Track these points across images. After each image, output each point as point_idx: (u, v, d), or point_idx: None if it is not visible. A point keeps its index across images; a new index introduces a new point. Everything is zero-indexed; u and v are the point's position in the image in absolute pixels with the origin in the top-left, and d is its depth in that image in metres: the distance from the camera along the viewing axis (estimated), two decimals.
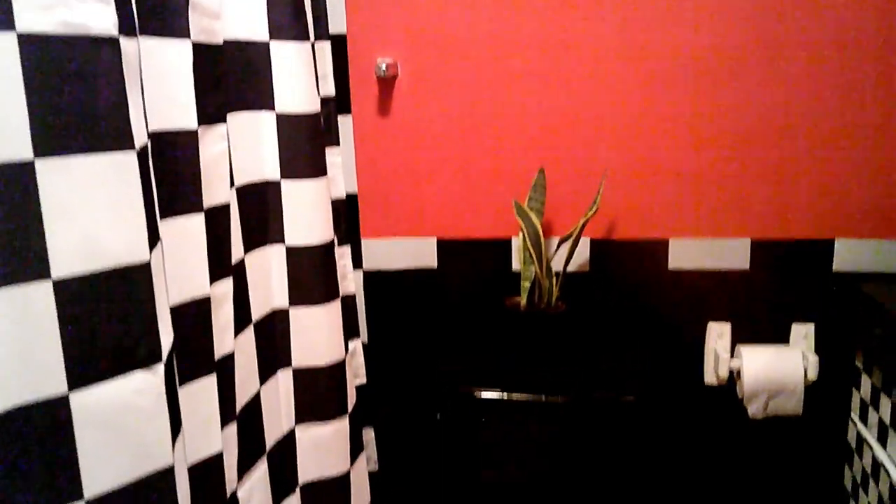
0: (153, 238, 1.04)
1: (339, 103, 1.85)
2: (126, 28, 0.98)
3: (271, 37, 1.46)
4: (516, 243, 1.90)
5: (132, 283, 1.00)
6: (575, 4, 1.76)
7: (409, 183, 1.90)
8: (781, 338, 1.86)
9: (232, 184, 1.39)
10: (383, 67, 1.81)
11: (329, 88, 1.81)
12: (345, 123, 1.87)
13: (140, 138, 1.01)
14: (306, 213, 1.56)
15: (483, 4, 1.78)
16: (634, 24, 1.75)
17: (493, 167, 1.87)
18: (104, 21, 0.92)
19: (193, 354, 1.25)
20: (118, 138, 0.95)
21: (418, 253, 1.93)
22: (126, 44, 0.97)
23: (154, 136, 1.14)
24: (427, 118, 1.86)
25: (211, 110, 1.28)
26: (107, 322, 0.97)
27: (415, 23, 1.81)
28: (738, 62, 1.74)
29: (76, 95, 0.91)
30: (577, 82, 1.80)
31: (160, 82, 1.16)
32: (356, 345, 1.87)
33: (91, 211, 0.94)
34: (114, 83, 0.94)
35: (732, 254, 1.84)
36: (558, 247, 1.81)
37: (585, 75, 1.79)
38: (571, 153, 1.84)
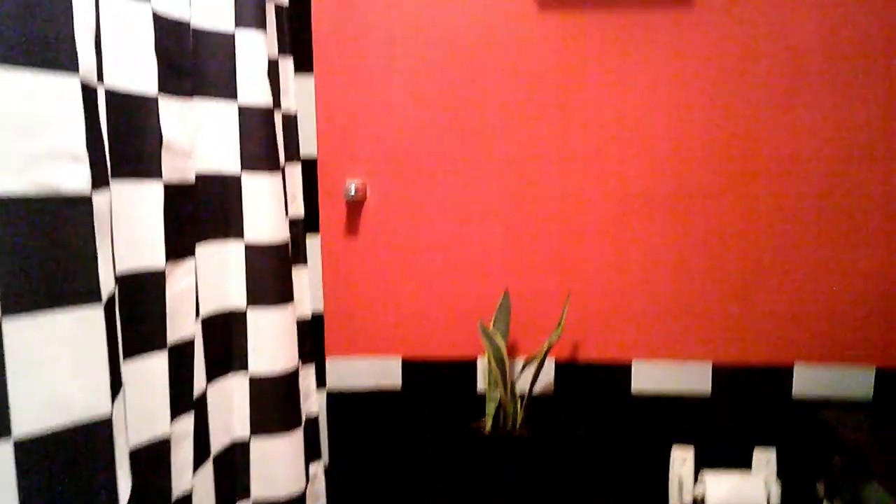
0: (116, 386, 1.02)
1: (307, 223, 1.87)
2: (99, 182, 0.98)
3: (243, 167, 1.48)
4: (482, 363, 1.90)
5: (93, 436, 0.97)
6: (543, 133, 1.82)
7: (376, 302, 1.90)
8: (745, 462, 1.87)
9: (197, 314, 1.37)
10: (352, 191, 1.83)
11: (298, 209, 1.82)
12: (313, 243, 1.88)
13: (107, 288, 1.00)
14: (271, 342, 1.54)
15: (451, 129, 1.83)
16: (603, 151, 1.81)
17: (459, 288, 1.88)
18: (77, 180, 0.93)
19: (151, 496, 1.21)
20: (86, 293, 0.94)
21: (383, 372, 1.92)
22: (98, 198, 0.97)
23: (122, 279, 1.13)
24: (394, 239, 1.88)
25: (180, 246, 1.28)
26: (66, 476, 0.94)
27: (383, 146, 1.85)
28: (702, 190, 1.81)
29: (46, 254, 0.90)
30: (542, 206, 1.84)
31: (130, 224, 1.16)
32: (317, 469, 1.83)
33: (55, 367, 0.93)
34: (84, 240, 0.94)
35: (694, 377, 1.86)
36: (523, 368, 1.82)
37: (550, 199, 1.84)
38: (536, 275, 1.87)
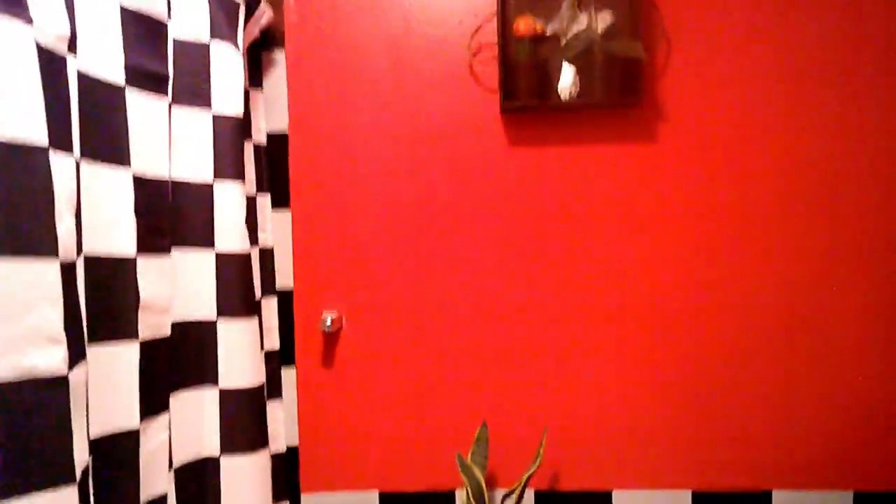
0: None
1: (283, 355, 1.86)
2: (76, 358, 0.98)
3: (219, 314, 1.48)
4: (460, 496, 1.87)
5: None
6: (515, 265, 1.85)
7: (352, 435, 1.88)
8: None
9: (170, 465, 1.35)
10: (328, 322, 1.84)
11: (274, 342, 1.82)
12: (288, 375, 1.87)
13: (81, 463, 0.99)
14: (246, 489, 1.51)
15: (425, 262, 1.86)
16: (574, 281, 1.84)
17: (437, 420, 1.87)
18: (54, 362, 0.93)
19: None
20: (60, 475, 0.93)
21: None
22: (74, 375, 0.97)
23: (97, 441, 1.12)
24: (370, 370, 1.87)
25: (155, 401, 1.27)
26: None
27: (359, 278, 1.87)
28: (674, 316, 1.84)
29: (21, 438, 0.89)
30: (518, 336, 1.86)
31: (106, 386, 1.15)
32: None
33: None
34: (59, 421, 0.93)
35: None
36: (503, 501, 1.79)
37: (526, 329, 1.86)
38: (514, 405, 1.86)
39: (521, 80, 1.81)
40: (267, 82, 1.85)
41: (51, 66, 0.98)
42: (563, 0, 1.80)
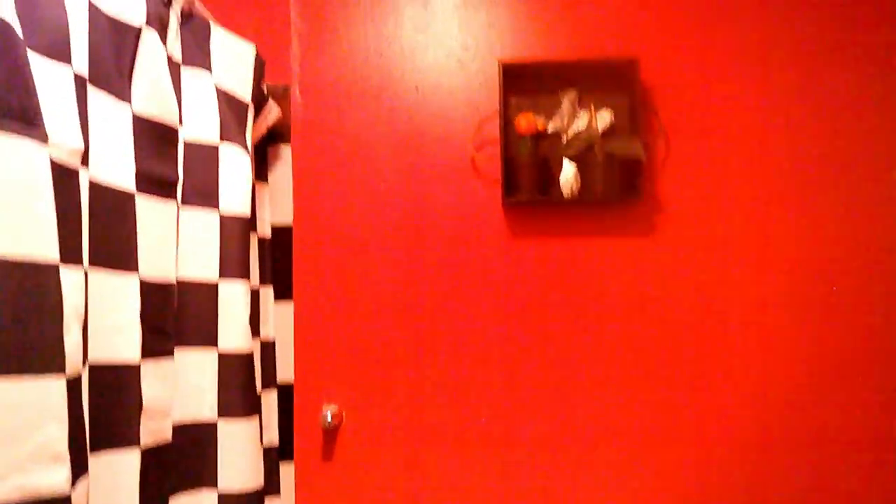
0: None
1: (281, 451, 1.83)
2: (79, 472, 0.97)
3: (220, 415, 1.46)
4: None
5: None
6: (518, 363, 1.84)
7: None
8: None
9: None
10: (328, 417, 1.82)
11: (273, 438, 1.80)
12: (287, 471, 1.84)
13: None
14: None
15: (428, 356, 1.85)
16: (574, 377, 1.83)
17: None
18: (57, 480, 0.91)
19: None
20: None
21: None
22: (76, 493, 0.95)
23: None
24: (370, 468, 1.84)
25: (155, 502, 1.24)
26: None
27: (361, 373, 1.85)
28: (676, 411, 1.82)
29: None
30: (520, 432, 1.83)
31: (107, 495, 1.13)
32: None
33: None
34: None
35: None
36: None
37: (527, 426, 1.83)
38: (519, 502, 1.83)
39: (523, 175, 1.84)
40: (272, 176, 1.88)
41: (64, 180, 1.00)
42: (563, 99, 1.84)
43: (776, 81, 1.86)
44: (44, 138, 0.92)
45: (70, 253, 1.00)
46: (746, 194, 1.85)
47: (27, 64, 0.91)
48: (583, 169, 1.82)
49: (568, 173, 1.82)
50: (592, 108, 1.84)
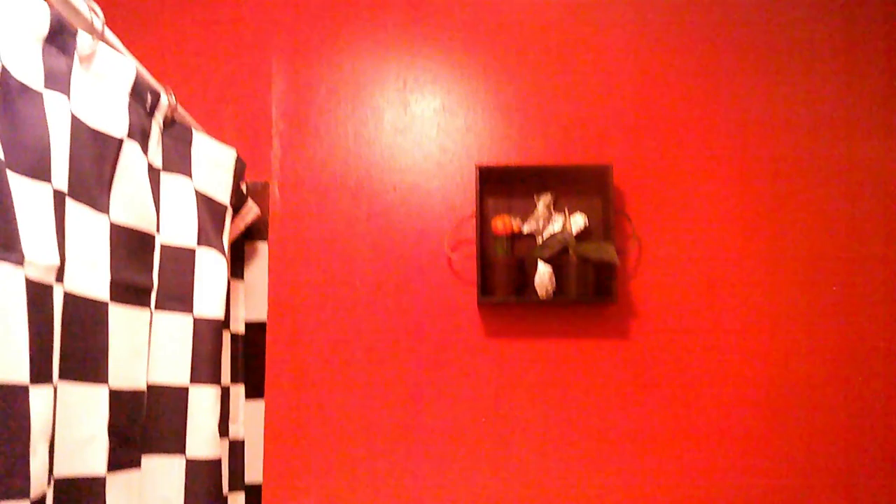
0: None
1: None
2: None
3: None
4: None
5: None
6: (491, 462, 1.82)
7: None
8: None
9: None
10: None
11: None
12: None
13: None
14: None
15: (404, 459, 1.82)
16: (547, 478, 1.81)
17: None
18: None
19: None
20: None
21: None
22: None
23: None
24: None
25: None
26: None
27: (334, 473, 1.82)
28: None
29: None
30: None
31: None
32: None
33: None
34: None
35: None
36: None
37: None
38: None
39: (498, 275, 1.86)
40: (248, 272, 1.88)
41: (38, 297, 0.99)
42: (538, 202, 1.88)
43: (749, 185, 1.91)
44: (20, 261, 0.92)
45: (40, 371, 0.99)
46: (720, 297, 1.88)
47: (7, 187, 0.91)
48: (557, 271, 1.85)
49: (543, 275, 1.84)
50: (567, 211, 1.88)
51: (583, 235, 1.87)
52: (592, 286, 1.84)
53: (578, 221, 1.87)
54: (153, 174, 1.38)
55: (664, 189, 1.92)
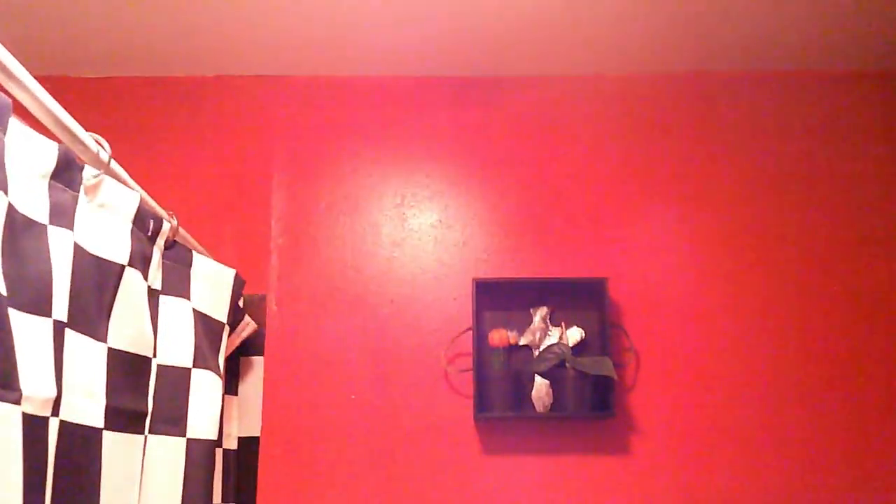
0: None
1: None
2: None
3: None
4: None
5: None
6: None
7: None
8: None
9: None
10: None
11: None
12: None
13: None
14: None
15: None
16: None
17: None
18: None
19: None
20: None
21: None
22: None
23: None
24: None
25: None
26: None
27: None
28: None
29: None
30: None
31: None
32: None
33: None
34: None
35: None
36: None
37: None
38: None
39: (495, 389, 1.85)
40: (243, 387, 1.87)
41: (33, 431, 0.98)
42: (535, 315, 1.89)
43: (744, 295, 1.93)
44: (17, 400, 0.92)
45: None
46: (722, 411, 1.86)
47: (8, 325, 0.92)
48: (554, 384, 1.84)
49: (540, 388, 1.83)
50: (563, 324, 1.88)
51: (580, 348, 1.88)
52: (590, 400, 1.82)
53: (575, 334, 1.88)
54: (152, 297, 1.39)
55: (660, 301, 1.93)
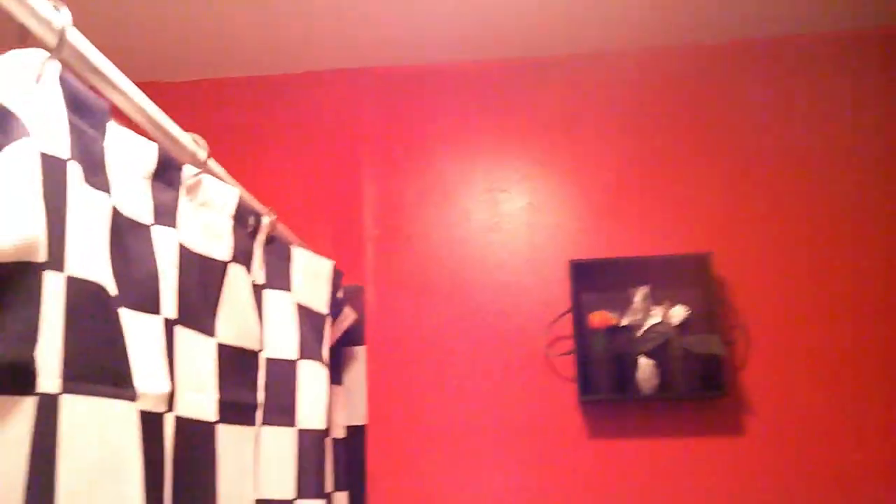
0: None
1: None
2: None
3: None
4: None
5: None
6: None
7: None
8: None
9: None
10: None
11: None
12: None
13: None
14: None
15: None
16: None
17: None
18: None
19: None
20: None
21: None
22: None
23: None
24: None
25: None
26: None
27: None
28: None
29: None
30: None
31: None
32: None
33: None
34: None
35: None
36: None
37: None
38: None
39: (599, 371, 1.81)
40: (347, 376, 1.89)
41: (150, 427, 1.02)
42: (635, 295, 1.84)
43: (864, 268, 1.82)
44: (133, 397, 0.95)
45: (153, 501, 1.01)
46: (839, 386, 1.76)
47: (119, 325, 0.95)
48: (660, 365, 1.78)
49: (645, 370, 1.78)
50: (666, 303, 1.82)
51: (685, 327, 1.81)
52: (699, 380, 1.76)
53: (679, 313, 1.81)
54: (256, 291, 1.42)
55: (768, 274, 1.85)
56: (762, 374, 1.80)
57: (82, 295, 0.90)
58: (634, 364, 1.81)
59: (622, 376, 1.82)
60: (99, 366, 0.91)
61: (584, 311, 1.85)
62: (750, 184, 1.90)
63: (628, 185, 1.93)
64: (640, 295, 1.84)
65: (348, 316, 1.81)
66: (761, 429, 1.77)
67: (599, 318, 1.83)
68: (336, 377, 1.86)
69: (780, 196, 1.88)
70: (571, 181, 1.96)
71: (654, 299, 1.84)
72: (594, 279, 1.87)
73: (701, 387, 1.76)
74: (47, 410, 0.83)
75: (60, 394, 0.85)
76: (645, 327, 1.82)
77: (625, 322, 1.84)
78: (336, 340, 1.84)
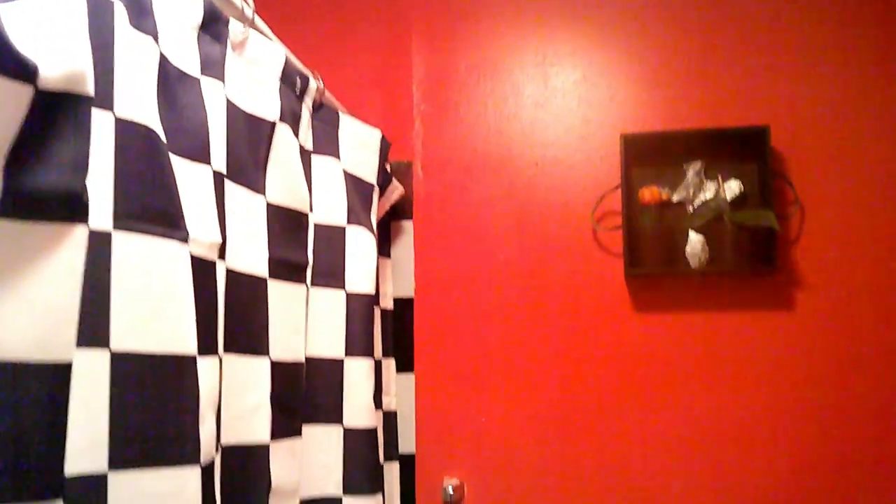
0: None
1: None
2: None
3: (345, 491, 1.49)
4: None
5: None
6: (642, 438, 1.78)
7: None
8: None
9: None
10: (450, 490, 1.81)
11: None
12: None
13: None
14: None
15: (552, 432, 1.81)
16: (701, 457, 1.75)
17: None
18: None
19: None
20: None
21: None
22: None
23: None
24: None
25: None
26: None
27: (483, 444, 1.84)
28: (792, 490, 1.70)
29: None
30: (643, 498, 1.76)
31: None
32: None
33: None
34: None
35: None
36: None
37: (652, 493, 1.76)
38: None
39: (647, 247, 1.80)
40: (395, 250, 1.92)
41: (202, 274, 1.05)
42: (688, 170, 1.80)
43: None
44: (185, 238, 0.98)
45: (207, 343, 1.05)
46: (893, 263, 1.72)
47: (170, 168, 0.98)
48: (710, 240, 1.76)
49: (695, 244, 1.76)
50: (720, 178, 1.78)
51: (738, 202, 1.77)
52: (750, 255, 1.74)
53: (733, 188, 1.77)
54: (304, 156, 1.44)
55: (827, 149, 1.78)
56: (816, 250, 1.76)
57: (131, 136, 0.92)
58: (683, 240, 1.79)
59: (671, 252, 1.80)
60: (150, 206, 0.94)
61: (635, 186, 1.83)
62: (812, 54, 1.81)
63: (683, 56, 1.86)
64: (692, 170, 1.80)
65: (396, 189, 1.83)
66: (813, 304, 1.75)
67: (650, 193, 1.80)
68: (384, 250, 1.89)
69: (843, 69, 1.79)
70: (624, 54, 1.89)
71: (708, 174, 1.81)
72: (646, 154, 1.84)
73: (752, 262, 1.74)
74: (100, 245, 0.87)
75: (112, 230, 0.88)
76: (696, 203, 1.80)
77: (676, 198, 1.82)
78: (384, 213, 1.86)
